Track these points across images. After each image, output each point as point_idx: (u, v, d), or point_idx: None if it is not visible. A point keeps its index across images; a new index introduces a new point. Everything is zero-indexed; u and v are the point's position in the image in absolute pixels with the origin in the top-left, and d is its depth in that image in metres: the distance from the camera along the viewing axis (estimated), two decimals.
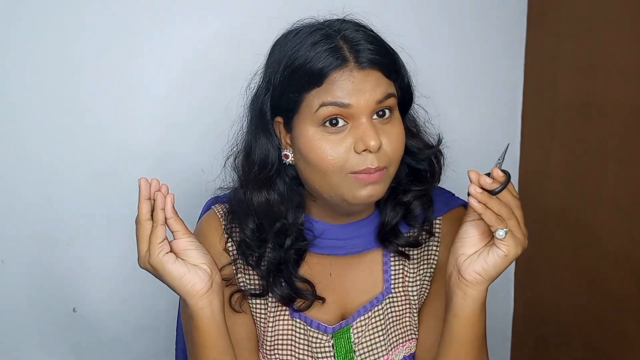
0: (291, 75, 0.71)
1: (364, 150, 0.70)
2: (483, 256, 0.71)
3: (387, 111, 0.72)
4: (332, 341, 0.82)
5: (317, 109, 0.69)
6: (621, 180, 1.09)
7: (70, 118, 1.14)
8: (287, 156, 0.76)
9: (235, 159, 0.81)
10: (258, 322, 0.85)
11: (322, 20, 0.75)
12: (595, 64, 1.14)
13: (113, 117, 1.16)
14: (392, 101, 0.72)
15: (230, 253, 0.83)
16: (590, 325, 1.19)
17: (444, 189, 0.88)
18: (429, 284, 0.85)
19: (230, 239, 0.83)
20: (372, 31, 0.74)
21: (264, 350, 0.84)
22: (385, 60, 0.72)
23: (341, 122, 0.70)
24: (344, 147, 0.70)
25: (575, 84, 1.20)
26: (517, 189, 1.39)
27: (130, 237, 1.21)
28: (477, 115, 1.35)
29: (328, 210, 0.80)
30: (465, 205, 0.83)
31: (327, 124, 0.70)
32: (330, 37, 0.70)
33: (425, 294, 0.85)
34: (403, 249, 0.82)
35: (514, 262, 1.43)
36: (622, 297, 1.11)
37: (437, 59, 1.30)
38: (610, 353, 1.15)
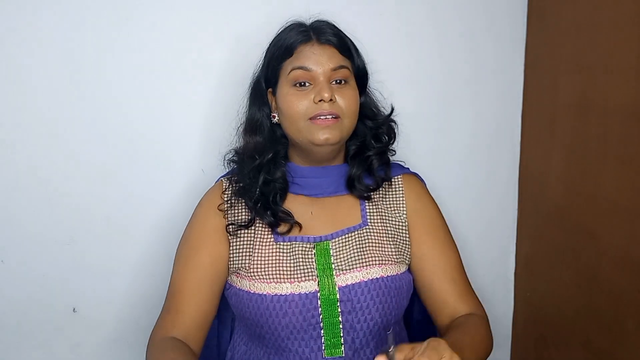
0: (274, 53, 0.99)
1: (320, 101, 0.94)
2: None
3: (342, 81, 0.97)
4: (313, 250, 0.99)
5: (289, 72, 0.96)
6: (621, 180, 1.09)
7: (70, 118, 1.14)
8: (274, 117, 1.01)
9: (238, 129, 1.06)
10: (243, 250, 0.99)
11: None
12: (595, 64, 1.14)
13: (113, 117, 1.16)
14: (346, 72, 0.98)
15: (226, 196, 1.03)
16: (590, 325, 1.19)
17: (398, 163, 1.11)
18: (405, 225, 1.04)
19: (228, 190, 1.03)
20: (337, 28, 0.99)
21: (252, 275, 0.97)
22: (339, 41, 0.98)
23: (307, 84, 0.96)
24: (307, 100, 0.95)
25: (575, 84, 1.20)
26: (517, 189, 1.40)
27: (130, 237, 1.22)
28: (477, 115, 1.35)
29: (305, 157, 1.01)
30: (416, 174, 1.10)
31: (297, 85, 0.96)
32: (303, 25, 1.00)
33: (403, 231, 1.03)
34: (367, 194, 1.03)
35: (514, 262, 1.44)
36: (622, 297, 1.11)
37: (437, 59, 1.30)
38: (610, 353, 1.15)
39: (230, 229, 1.00)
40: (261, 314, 0.94)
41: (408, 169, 1.11)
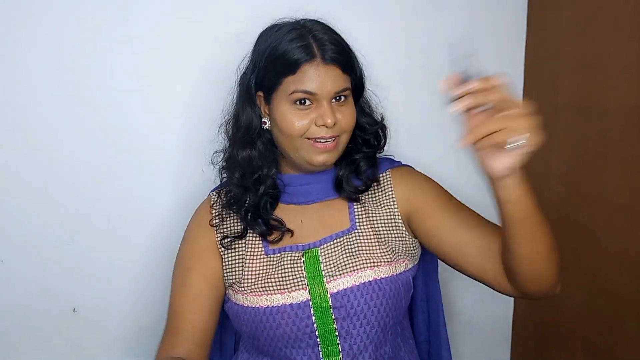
0: (272, 62, 0.94)
1: (322, 125, 0.92)
2: (504, 153, 0.76)
3: (342, 97, 0.95)
4: (302, 258, 0.98)
5: (291, 93, 0.92)
6: (621, 180, 1.09)
7: (71, 118, 1.14)
8: (265, 123, 0.99)
9: (227, 125, 1.03)
10: (236, 265, 0.99)
11: (299, 19, 0.97)
12: (595, 64, 1.14)
13: (113, 117, 1.16)
14: (347, 92, 0.96)
15: (216, 211, 1.03)
16: (590, 325, 1.19)
17: (391, 157, 1.08)
18: (398, 221, 1.01)
19: (217, 203, 1.03)
20: (336, 33, 0.96)
21: (244, 289, 0.97)
22: (343, 58, 0.94)
23: (308, 102, 0.93)
24: (307, 120, 0.93)
25: (575, 84, 1.20)
26: None
27: (130, 237, 1.22)
28: None
29: (295, 168, 1.00)
30: (407, 165, 1.07)
31: (298, 103, 0.93)
32: (304, 37, 0.93)
33: (397, 228, 1.01)
34: (355, 196, 1.01)
35: None
36: (622, 297, 1.11)
37: (437, 59, 1.30)
38: (610, 353, 1.15)
39: (225, 243, 1.00)
40: (256, 327, 0.94)
41: (399, 162, 1.08)
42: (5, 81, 1.10)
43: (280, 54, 0.93)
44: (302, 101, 0.93)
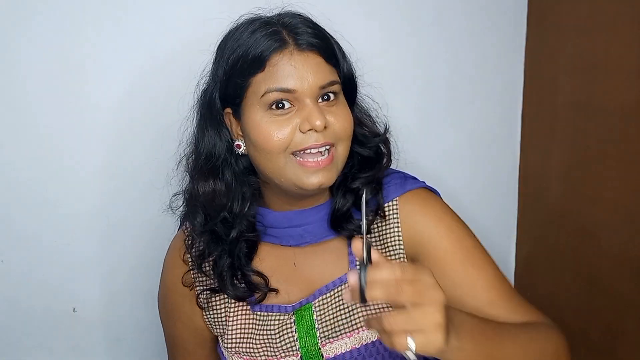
0: (235, 64, 0.74)
1: (309, 130, 0.72)
2: None
3: (331, 95, 0.75)
4: (293, 317, 0.81)
5: (263, 95, 0.72)
6: (621, 180, 1.09)
7: (70, 118, 1.14)
8: (239, 146, 0.78)
9: (187, 160, 0.84)
10: (219, 319, 0.85)
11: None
12: (595, 64, 1.14)
13: (112, 117, 1.16)
14: (336, 87, 0.75)
15: (189, 262, 0.86)
16: (590, 325, 1.19)
17: (402, 172, 0.88)
18: (404, 261, 0.82)
19: (191, 249, 0.85)
20: (310, 19, 0.77)
21: (226, 345, 0.84)
22: (324, 44, 0.74)
23: (287, 105, 0.73)
24: (289, 128, 0.72)
25: (575, 84, 1.20)
26: (517, 189, 1.40)
27: (130, 237, 1.22)
28: (477, 115, 1.35)
29: (283, 197, 0.80)
30: (424, 187, 0.85)
31: (274, 107, 0.73)
32: (269, 24, 0.74)
33: None
34: (356, 234, 0.81)
35: (514, 262, 1.44)
36: (622, 297, 1.11)
37: (437, 59, 1.30)
38: (610, 353, 1.15)
39: (200, 302, 0.85)
40: None
41: (410, 180, 0.86)
42: (5, 81, 1.10)
43: (242, 52, 0.74)
44: (279, 104, 0.73)
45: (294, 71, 0.71)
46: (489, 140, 1.37)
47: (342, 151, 0.76)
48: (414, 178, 0.87)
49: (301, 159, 0.73)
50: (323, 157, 0.73)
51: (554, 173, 1.28)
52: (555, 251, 1.29)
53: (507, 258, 1.43)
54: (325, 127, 0.72)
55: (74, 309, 1.21)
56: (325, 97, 0.74)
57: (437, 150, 1.33)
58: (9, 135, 1.12)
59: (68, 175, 1.16)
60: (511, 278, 1.45)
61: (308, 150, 0.73)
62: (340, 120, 0.75)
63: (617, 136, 1.10)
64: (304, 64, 0.72)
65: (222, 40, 0.80)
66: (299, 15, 0.77)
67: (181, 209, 0.88)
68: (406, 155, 1.12)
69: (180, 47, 1.16)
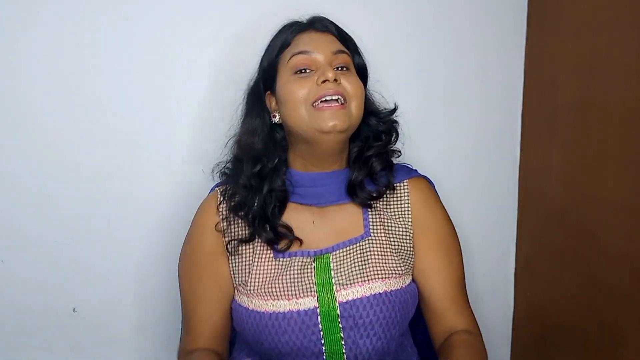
0: (270, 49, 0.98)
1: (323, 82, 0.90)
2: None
3: (344, 67, 0.94)
4: (313, 263, 0.95)
5: (289, 60, 0.93)
6: (621, 180, 1.09)
7: (71, 118, 1.14)
8: (274, 116, 0.97)
9: (234, 143, 1.01)
10: (243, 266, 0.97)
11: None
12: (595, 64, 1.14)
13: (112, 117, 1.16)
14: (347, 58, 0.95)
15: (222, 214, 0.99)
16: (590, 325, 1.19)
17: (406, 165, 1.07)
18: (410, 235, 1.00)
19: (223, 204, 0.99)
20: (335, 23, 0.98)
21: (249, 291, 0.95)
22: (337, 31, 0.96)
23: (308, 70, 0.93)
24: (309, 84, 0.91)
25: (575, 84, 1.20)
26: (517, 189, 1.40)
27: (130, 237, 1.22)
28: (477, 115, 1.35)
29: (308, 157, 0.96)
30: (424, 178, 1.05)
31: (298, 72, 0.93)
32: (298, 22, 0.98)
33: (408, 241, 0.99)
34: (368, 202, 0.98)
35: (514, 262, 1.44)
36: (622, 297, 1.11)
37: (437, 59, 1.30)
38: (610, 353, 1.15)
39: (229, 248, 0.98)
40: (260, 332, 0.92)
41: (416, 171, 1.06)
42: (5, 81, 1.10)
43: (276, 42, 0.97)
44: (302, 70, 0.93)
45: (312, 41, 0.94)
46: (489, 140, 1.37)
47: (354, 108, 0.92)
48: (411, 168, 1.07)
49: (318, 107, 0.90)
50: (337, 104, 0.90)
51: (554, 173, 1.28)
52: (555, 251, 1.29)
53: (507, 258, 1.43)
54: (336, 82, 0.90)
55: (74, 309, 1.21)
56: (340, 68, 0.93)
57: (437, 150, 1.33)
58: (9, 135, 1.12)
59: (68, 175, 1.16)
60: (511, 278, 1.45)
61: (323, 98, 0.89)
62: (351, 82, 0.92)
63: (617, 136, 1.10)
64: (320, 38, 0.94)
65: (268, 44, 1.00)
66: (324, 17, 0.98)
67: (217, 174, 1.05)
68: (406, 155, 1.13)
69: (180, 47, 1.17)
